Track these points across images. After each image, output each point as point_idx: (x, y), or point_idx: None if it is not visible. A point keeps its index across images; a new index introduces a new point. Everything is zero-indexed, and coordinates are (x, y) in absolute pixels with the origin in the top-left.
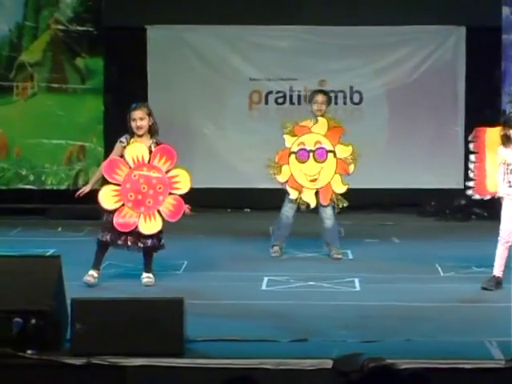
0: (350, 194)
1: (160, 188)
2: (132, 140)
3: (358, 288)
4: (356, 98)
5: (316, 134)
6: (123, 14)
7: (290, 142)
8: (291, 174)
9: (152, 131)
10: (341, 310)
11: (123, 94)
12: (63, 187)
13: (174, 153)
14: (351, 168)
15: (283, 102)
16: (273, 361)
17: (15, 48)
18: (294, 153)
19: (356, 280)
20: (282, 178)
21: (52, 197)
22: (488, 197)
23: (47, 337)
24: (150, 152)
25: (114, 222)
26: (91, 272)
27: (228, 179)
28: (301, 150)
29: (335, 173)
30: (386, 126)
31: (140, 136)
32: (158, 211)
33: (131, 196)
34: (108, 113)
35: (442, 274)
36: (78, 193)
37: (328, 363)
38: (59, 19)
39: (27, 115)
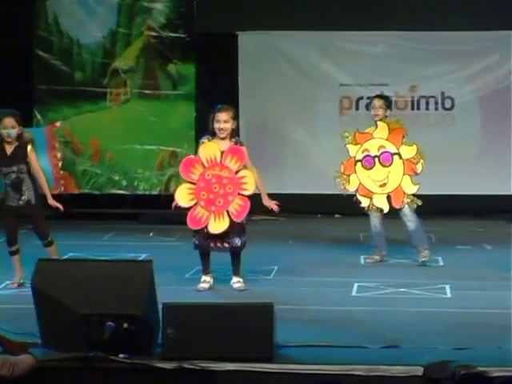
0: (440, 201)
1: (230, 188)
2: (213, 141)
3: (448, 295)
4: (447, 104)
5: (378, 138)
6: (215, 21)
7: (353, 150)
8: (360, 182)
9: (233, 134)
10: (431, 317)
11: (214, 99)
12: (155, 192)
13: (244, 153)
14: (419, 167)
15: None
16: (363, 367)
17: (109, 54)
18: (359, 161)
19: (447, 287)
20: (351, 188)
21: (144, 202)
22: None
23: (139, 341)
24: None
25: (188, 220)
26: (203, 278)
27: (318, 185)
28: (366, 156)
29: (404, 174)
30: (478, 132)
31: (222, 138)
32: (227, 211)
33: (203, 195)
34: (199, 118)
35: None
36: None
37: (419, 370)
38: (152, 26)
39: (120, 121)
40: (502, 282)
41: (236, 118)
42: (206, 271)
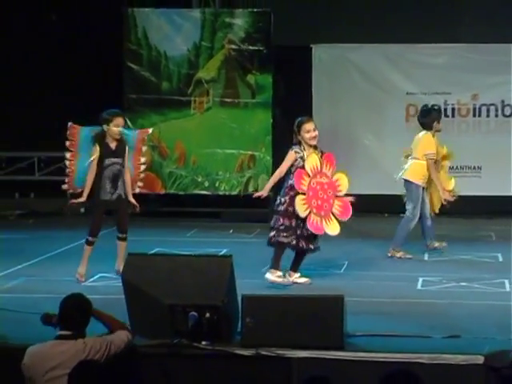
0: (501, 201)
1: (330, 192)
2: (307, 150)
3: (507, 289)
4: (507, 111)
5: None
6: (290, 34)
7: None
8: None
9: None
10: (491, 310)
11: (290, 107)
12: (235, 193)
13: (334, 159)
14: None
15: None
16: (427, 355)
17: (193, 66)
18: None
19: (506, 281)
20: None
21: (225, 201)
22: None
23: (220, 329)
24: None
25: (309, 227)
26: (280, 273)
27: (386, 186)
28: None
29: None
30: None
31: (313, 146)
32: (332, 213)
33: (314, 202)
34: (276, 125)
35: None
36: (256, 194)
37: (479, 359)
38: (232, 39)
39: (203, 127)
40: None
41: None
42: (277, 266)
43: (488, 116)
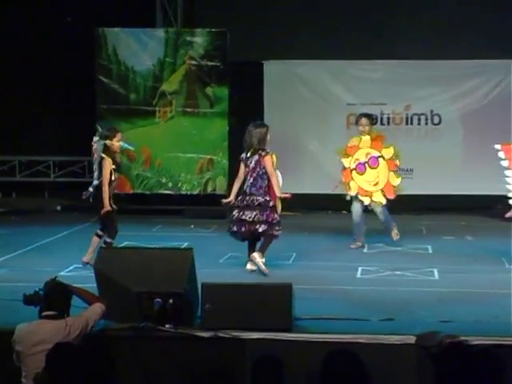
0: (429, 199)
1: None
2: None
3: (436, 277)
4: (436, 120)
5: (364, 148)
6: (244, 52)
7: (347, 162)
8: (358, 186)
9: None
10: (422, 295)
11: (244, 116)
12: (195, 192)
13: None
14: (398, 162)
15: (375, 123)
16: (366, 336)
17: (157, 79)
18: (353, 169)
19: (435, 270)
20: (353, 192)
21: (186, 200)
22: None
23: (182, 314)
24: None
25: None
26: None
27: (329, 186)
28: (358, 164)
29: (389, 171)
30: (461, 143)
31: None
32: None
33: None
34: (231, 132)
35: (507, 265)
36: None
37: (411, 339)
38: (193, 56)
39: (166, 134)
40: (480, 266)
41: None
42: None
43: (419, 124)
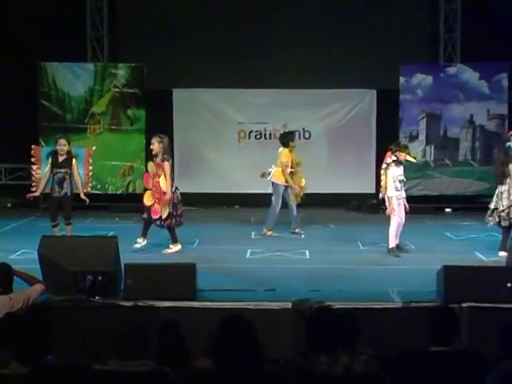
0: (305, 197)
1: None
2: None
3: (308, 256)
4: (307, 135)
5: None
6: (158, 81)
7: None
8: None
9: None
10: (297, 271)
11: (157, 132)
12: (119, 192)
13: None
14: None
15: (260, 138)
16: (254, 303)
17: (88, 103)
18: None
19: (306, 251)
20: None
21: (112, 198)
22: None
23: (108, 288)
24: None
25: (152, 214)
26: (139, 240)
27: (225, 187)
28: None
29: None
30: (326, 153)
31: (155, 156)
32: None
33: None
34: (148, 144)
35: (361, 247)
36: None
37: (288, 305)
38: (117, 85)
39: (96, 146)
40: (340, 248)
41: (161, 142)
42: (143, 235)
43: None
